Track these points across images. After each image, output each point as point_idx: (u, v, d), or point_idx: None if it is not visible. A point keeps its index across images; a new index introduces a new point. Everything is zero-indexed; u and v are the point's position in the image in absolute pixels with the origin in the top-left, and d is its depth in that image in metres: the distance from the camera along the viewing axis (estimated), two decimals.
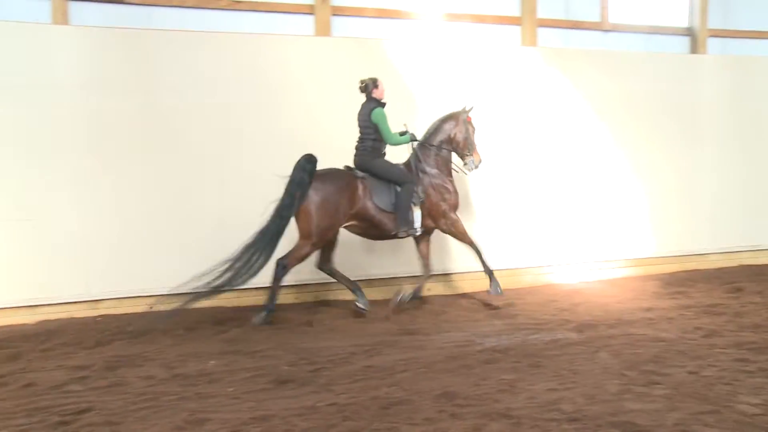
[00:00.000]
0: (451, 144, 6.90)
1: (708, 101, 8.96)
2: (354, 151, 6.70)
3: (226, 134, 7.07)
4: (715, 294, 7.29)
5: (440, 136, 6.88)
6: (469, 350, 5.20)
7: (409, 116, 7.55)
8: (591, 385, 4.30)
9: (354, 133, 6.97)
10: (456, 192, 6.89)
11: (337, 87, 7.37)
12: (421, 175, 6.71)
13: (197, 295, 6.00)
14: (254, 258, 6.10)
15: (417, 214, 6.61)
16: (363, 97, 6.65)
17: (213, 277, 5.99)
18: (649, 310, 6.57)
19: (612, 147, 8.48)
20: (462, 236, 6.85)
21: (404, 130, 6.75)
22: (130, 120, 6.82)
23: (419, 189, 6.63)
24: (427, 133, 6.91)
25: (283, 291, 6.75)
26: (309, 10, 7.69)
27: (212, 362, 5.04)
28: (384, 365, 4.88)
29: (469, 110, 6.97)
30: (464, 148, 6.89)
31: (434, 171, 6.79)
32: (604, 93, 8.42)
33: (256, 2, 7.53)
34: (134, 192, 6.84)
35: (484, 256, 6.83)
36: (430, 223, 6.76)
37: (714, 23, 9.48)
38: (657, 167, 8.68)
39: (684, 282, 7.98)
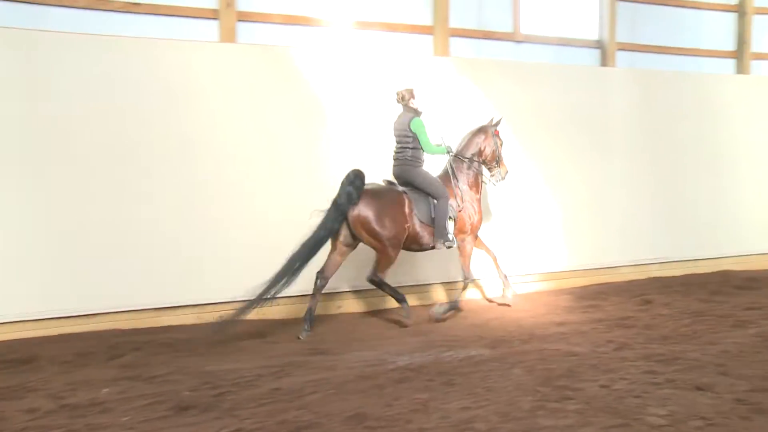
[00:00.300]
0: (480, 157, 7.32)
1: (617, 114, 9.37)
2: (393, 162, 7.06)
3: (122, 141, 6.84)
4: (626, 307, 7.59)
5: (471, 150, 7.29)
6: (381, 369, 5.20)
7: (318, 125, 7.60)
8: (505, 403, 4.38)
9: (264, 141, 6.98)
10: (481, 214, 7.29)
11: (243, 94, 7.31)
12: (457, 190, 7.08)
13: (250, 305, 6.31)
14: (295, 266, 6.40)
15: (451, 226, 6.95)
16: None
17: (264, 287, 6.29)
18: (562, 324, 6.77)
19: (523, 159, 8.71)
20: (466, 259, 7.24)
21: (440, 142, 7.12)
22: (13, 126, 6.49)
23: (454, 203, 7.01)
24: (458, 146, 7.31)
25: (181, 311, 6.63)
26: (213, 15, 7.58)
27: (105, 390, 4.84)
28: (292, 387, 4.82)
29: (497, 123, 7.38)
30: (492, 161, 7.37)
31: (465, 188, 7.20)
32: (515, 104, 8.65)
33: (156, 5, 7.36)
34: (18, 203, 6.50)
35: (464, 293, 7.36)
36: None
37: (622, 37, 9.94)
38: (568, 180, 8.98)
39: (596, 295, 8.27)
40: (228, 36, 7.59)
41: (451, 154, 7.22)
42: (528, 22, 9.37)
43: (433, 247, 7.05)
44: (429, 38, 8.71)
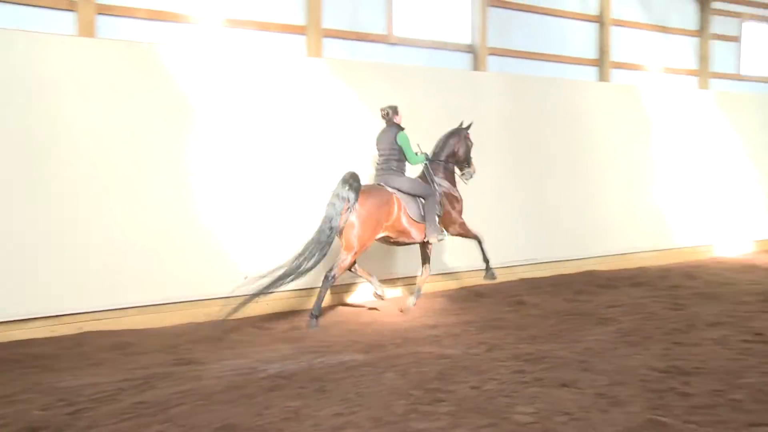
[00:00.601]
0: (454, 157, 8.12)
1: (488, 117, 9.68)
2: (376, 173, 7.69)
3: None
4: (498, 308, 7.84)
5: (446, 151, 8.08)
6: (251, 378, 5.11)
7: (187, 124, 7.39)
8: (377, 407, 4.41)
9: (126, 139, 6.96)
10: (461, 199, 8.07)
11: (102, 91, 6.97)
12: (436, 187, 7.75)
13: (252, 296, 6.70)
14: (304, 264, 6.90)
15: (437, 221, 7.72)
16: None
17: (268, 280, 6.72)
18: (434, 327, 6.91)
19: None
20: (467, 233, 8.04)
21: (417, 150, 7.80)
22: None
23: (438, 200, 7.70)
24: (435, 148, 8.07)
25: (32, 324, 6.28)
26: (69, 6, 7.23)
27: None
28: (157, 400, 4.65)
29: (467, 127, 8.17)
30: (464, 161, 8.18)
31: (445, 183, 7.97)
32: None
33: None
34: None
35: (484, 245, 8.03)
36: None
37: (493, 42, 10.29)
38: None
39: (468, 297, 8.51)
40: (86, 30, 7.26)
41: (429, 161, 7.90)
42: (401, 25, 9.52)
43: (425, 242, 7.79)
44: (302, 38, 8.69)
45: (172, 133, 7.33)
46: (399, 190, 7.52)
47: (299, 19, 8.67)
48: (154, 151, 7.21)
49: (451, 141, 8.11)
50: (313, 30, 8.67)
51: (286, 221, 7.93)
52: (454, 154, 8.10)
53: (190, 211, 7.38)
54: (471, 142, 8.25)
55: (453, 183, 8.09)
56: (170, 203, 7.27)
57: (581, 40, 11.38)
